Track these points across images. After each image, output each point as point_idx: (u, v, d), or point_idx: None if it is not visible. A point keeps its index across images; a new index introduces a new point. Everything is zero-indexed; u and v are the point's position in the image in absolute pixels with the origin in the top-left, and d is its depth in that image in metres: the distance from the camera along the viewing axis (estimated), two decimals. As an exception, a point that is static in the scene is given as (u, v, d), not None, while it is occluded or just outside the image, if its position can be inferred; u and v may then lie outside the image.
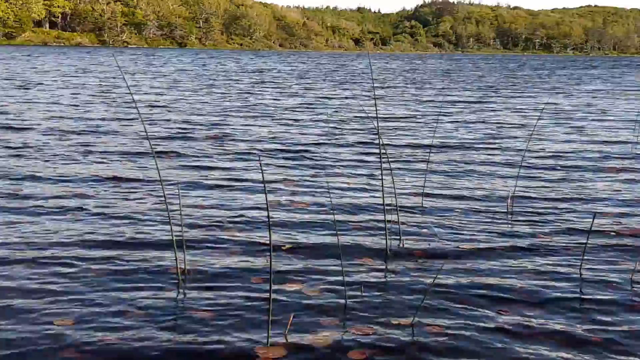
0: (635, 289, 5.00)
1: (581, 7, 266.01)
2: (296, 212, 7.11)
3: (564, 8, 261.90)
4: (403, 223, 6.55)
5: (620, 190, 8.49)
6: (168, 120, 15.28)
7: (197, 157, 10.50)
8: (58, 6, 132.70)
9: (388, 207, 6.25)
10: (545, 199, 7.91)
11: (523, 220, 6.91)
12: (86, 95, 21.28)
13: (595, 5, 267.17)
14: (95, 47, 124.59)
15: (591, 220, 5.86)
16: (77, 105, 18.10)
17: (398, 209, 6.44)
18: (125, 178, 8.66)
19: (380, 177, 7.58)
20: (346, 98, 23.23)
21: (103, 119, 15.04)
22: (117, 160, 10.02)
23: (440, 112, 18.35)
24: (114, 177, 8.67)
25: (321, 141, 12.46)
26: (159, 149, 11.10)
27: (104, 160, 10.01)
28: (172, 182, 8.24)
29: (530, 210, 7.38)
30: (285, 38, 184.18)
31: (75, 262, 5.27)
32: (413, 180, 8.91)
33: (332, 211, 6.98)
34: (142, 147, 11.16)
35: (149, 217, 6.69)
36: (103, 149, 11.10)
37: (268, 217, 3.94)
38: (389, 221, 6.20)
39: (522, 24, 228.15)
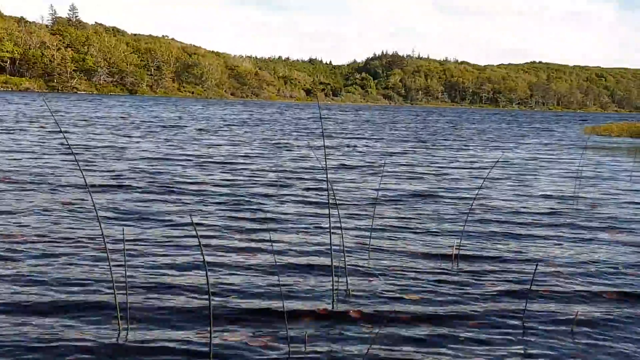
0: (576, 339, 5.07)
1: (526, 63, 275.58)
2: (241, 262, 7.03)
3: (509, 64, 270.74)
4: (350, 275, 6.54)
5: (562, 244, 8.65)
6: (110, 170, 15.06)
7: (139, 206, 10.34)
8: (7, 51, 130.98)
9: (335, 259, 6.23)
10: (490, 250, 8.00)
11: (468, 271, 6.98)
12: (24, 142, 20.86)
13: (540, 62, 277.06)
14: (44, 92, 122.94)
15: (533, 270, 5.94)
16: (14, 151, 17.74)
17: (345, 259, 6.43)
18: (62, 234, 8.42)
19: (328, 229, 7.57)
20: (294, 147, 23.32)
21: (40, 167, 14.74)
22: (54, 211, 9.79)
23: (386, 163, 18.55)
24: (50, 233, 8.43)
25: (269, 192, 12.43)
26: (99, 199, 10.90)
27: (42, 213, 9.75)
28: (115, 238, 8.07)
29: (475, 260, 7.45)
30: (237, 87, 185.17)
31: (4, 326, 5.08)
32: (360, 231, 8.93)
33: (276, 263, 6.93)
34: (80, 198, 10.94)
35: (86, 277, 6.49)
36: (40, 201, 10.83)
37: (207, 276, 3.88)
38: (337, 269, 6.17)
39: (469, 78, 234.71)
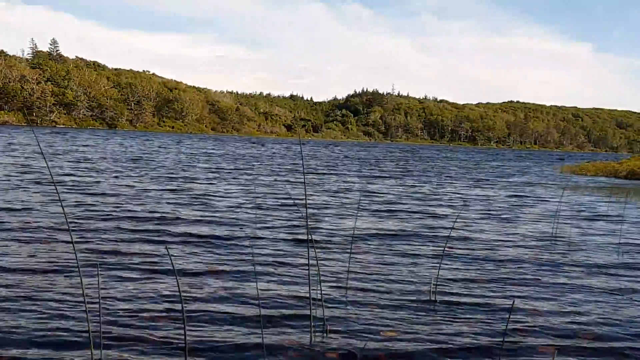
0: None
1: (504, 102, 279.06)
2: (220, 301, 7.01)
3: (487, 103, 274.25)
4: (328, 315, 6.54)
5: (540, 281, 8.72)
6: (91, 204, 14.97)
7: (117, 242, 10.28)
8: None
9: (313, 298, 6.24)
10: (467, 288, 8.05)
11: (445, 308, 7.01)
12: None
13: (517, 101, 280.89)
14: (22, 126, 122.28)
15: (509, 307, 5.99)
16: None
17: (323, 299, 6.44)
18: (40, 267, 8.34)
19: (307, 267, 7.57)
20: (275, 182, 23.36)
21: (18, 200, 14.62)
22: (32, 242, 9.71)
23: (365, 199, 18.63)
24: (28, 266, 8.34)
25: (248, 228, 12.41)
26: (77, 235, 10.82)
27: (19, 246, 9.66)
28: (90, 274, 8.01)
29: (452, 298, 7.49)
30: (218, 122, 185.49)
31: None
32: (338, 269, 8.94)
33: (256, 302, 6.91)
34: (58, 232, 10.86)
35: (64, 310, 6.43)
36: (16, 235, 10.74)
37: (183, 314, 3.89)
38: (315, 305, 6.17)
39: (448, 117, 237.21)
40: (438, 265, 8.80)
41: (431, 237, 12.11)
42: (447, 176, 34.15)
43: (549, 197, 22.38)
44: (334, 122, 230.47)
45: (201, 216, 13.51)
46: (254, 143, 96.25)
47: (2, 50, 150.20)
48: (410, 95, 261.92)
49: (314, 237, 11.26)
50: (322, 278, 6.78)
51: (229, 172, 28.27)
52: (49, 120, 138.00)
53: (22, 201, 14.36)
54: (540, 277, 8.82)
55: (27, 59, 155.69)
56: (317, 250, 8.40)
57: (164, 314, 6.34)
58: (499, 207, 18.47)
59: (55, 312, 6.31)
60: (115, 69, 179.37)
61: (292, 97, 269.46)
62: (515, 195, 22.86)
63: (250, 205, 15.99)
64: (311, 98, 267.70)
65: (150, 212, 13.71)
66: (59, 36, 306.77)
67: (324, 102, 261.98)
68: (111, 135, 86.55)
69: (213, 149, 58.40)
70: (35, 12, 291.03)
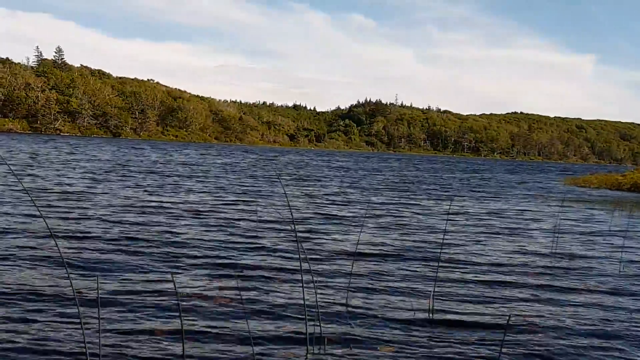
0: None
1: (507, 113, 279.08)
2: (215, 322, 7.01)
3: (491, 113, 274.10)
4: (325, 327, 6.53)
5: (539, 298, 8.70)
6: (81, 217, 14.96)
7: (107, 264, 10.27)
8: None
9: (310, 316, 6.22)
10: (465, 303, 8.03)
11: (442, 323, 6.99)
12: None
13: (521, 112, 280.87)
14: (26, 133, 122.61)
15: (506, 322, 5.97)
16: None
17: (320, 316, 6.43)
18: (33, 292, 8.04)
19: (301, 287, 7.56)
20: (274, 195, 23.35)
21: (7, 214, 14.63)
22: (23, 267, 9.70)
23: (366, 214, 18.62)
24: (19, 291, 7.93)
25: (244, 244, 12.39)
26: (71, 254, 10.80)
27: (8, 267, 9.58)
28: (88, 297, 7.98)
29: (450, 313, 7.48)
30: (221, 131, 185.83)
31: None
32: (337, 284, 8.92)
33: (249, 321, 6.91)
34: (49, 252, 10.82)
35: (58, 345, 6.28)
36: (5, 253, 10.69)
37: (181, 324, 3.89)
38: (311, 320, 6.16)
39: (452, 127, 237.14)
40: (435, 281, 8.78)
41: (430, 253, 12.07)
42: (449, 189, 34.11)
43: (551, 210, 22.33)
44: (337, 132, 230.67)
45: (197, 229, 13.50)
46: (253, 153, 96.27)
47: (7, 58, 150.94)
48: (413, 105, 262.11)
49: (313, 252, 11.25)
50: (320, 293, 6.77)
51: (228, 182, 28.27)
52: (53, 128, 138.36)
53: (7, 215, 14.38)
54: (539, 294, 8.79)
55: (32, 66, 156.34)
56: (315, 265, 8.38)
57: (161, 327, 6.34)
58: (500, 220, 18.43)
59: (52, 333, 6.30)
60: (120, 78, 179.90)
61: (295, 106, 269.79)
62: (517, 209, 22.81)
63: (246, 218, 15.97)
64: (314, 108, 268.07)
65: (148, 224, 13.70)
66: (64, 44, 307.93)
67: (327, 112, 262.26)
68: (115, 144, 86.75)
69: (209, 158, 58.45)
70: (39, 19, 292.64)
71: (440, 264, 10.31)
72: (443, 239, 11.92)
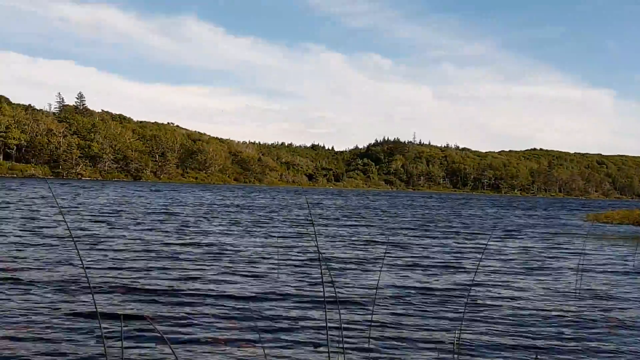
0: None
1: (527, 149, 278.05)
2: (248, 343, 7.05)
3: (510, 151, 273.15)
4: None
5: (563, 336, 8.65)
6: (102, 261, 15.11)
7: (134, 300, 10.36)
8: (14, 138, 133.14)
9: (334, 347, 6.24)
10: (490, 342, 8.01)
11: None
12: (14, 230, 20.97)
13: (540, 149, 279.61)
14: (48, 179, 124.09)
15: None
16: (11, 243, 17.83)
17: (344, 347, 6.45)
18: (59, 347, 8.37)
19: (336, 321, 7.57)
20: (294, 234, 23.39)
21: (35, 259, 14.80)
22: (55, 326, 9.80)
23: (387, 252, 18.59)
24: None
25: (266, 293, 12.42)
26: (102, 301, 10.92)
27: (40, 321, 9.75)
28: (112, 334, 8.07)
29: (475, 353, 7.46)
30: (241, 172, 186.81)
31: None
32: (360, 322, 8.93)
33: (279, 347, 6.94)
34: (79, 302, 10.95)
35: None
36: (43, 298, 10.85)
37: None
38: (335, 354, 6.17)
39: (471, 165, 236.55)
40: (461, 319, 8.77)
41: (455, 291, 12.05)
42: (471, 227, 33.94)
43: (574, 247, 22.16)
44: (356, 171, 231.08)
45: (216, 272, 13.58)
46: (273, 193, 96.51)
47: (30, 105, 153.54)
48: (431, 143, 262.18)
49: (337, 290, 11.27)
50: (345, 327, 6.78)
51: (251, 223, 28.37)
52: (75, 172, 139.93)
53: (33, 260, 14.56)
54: (563, 332, 8.75)
55: (54, 112, 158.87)
56: (340, 301, 8.43)
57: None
58: (524, 258, 18.33)
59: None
60: (140, 122, 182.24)
61: (313, 146, 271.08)
62: (540, 246, 22.66)
63: (267, 258, 16.02)
64: (332, 147, 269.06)
65: (169, 269, 13.82)
66: (85, 90, 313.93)
67: (345, 151, 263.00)
68: (136, 186, 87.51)
69: (231, 199, 58.72)
70: (61, 66, 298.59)
71: (465, 302, 10.28)
72: (472, 280, 11.90)
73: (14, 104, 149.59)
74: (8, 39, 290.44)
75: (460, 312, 9.85)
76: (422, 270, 15.08)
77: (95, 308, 3.78)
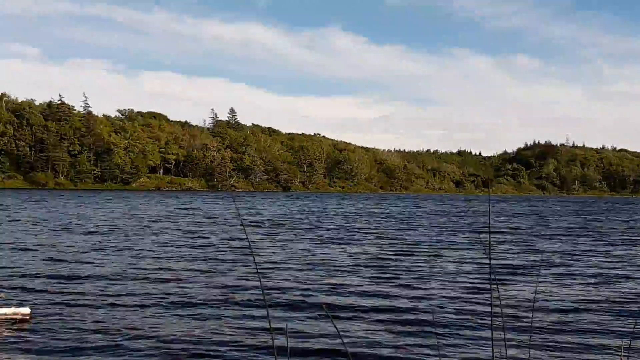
0: None
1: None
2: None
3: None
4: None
5: None
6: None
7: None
8: (172, 153, 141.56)
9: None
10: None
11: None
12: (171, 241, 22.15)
13: None
14: (205, 191, 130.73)
15: None
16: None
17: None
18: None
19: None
20: (453, 248, 23.18)
21: (189, 269, 15.65)
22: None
23: (550, 263, 18.05)
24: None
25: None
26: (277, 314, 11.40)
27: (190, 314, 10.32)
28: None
29: None
30: (386, 181, 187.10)
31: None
32: (518, 339, 8.81)
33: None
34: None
35: None
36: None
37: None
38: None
39: (629, 166, 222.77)
40: (631, 339, 8.43)
41: (621, 305, 11.54)
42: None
43: None
44: (505, 176, 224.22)
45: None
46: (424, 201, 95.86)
47: (186, 121, 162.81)
48: (586, 145, 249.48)
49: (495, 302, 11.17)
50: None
51: (403, 234, 28.41)
52: (229, 185, 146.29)
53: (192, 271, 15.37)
54: None
55: (208, 128, 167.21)
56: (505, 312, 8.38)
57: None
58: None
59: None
60: (289, 134, 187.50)
61: (459, 152, 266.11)
62: None
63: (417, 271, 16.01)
64: (480, 153, 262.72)
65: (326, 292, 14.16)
66: (236, 105, 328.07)
67: (494, 156, 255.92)
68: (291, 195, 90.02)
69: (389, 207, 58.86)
70: (214, 84, 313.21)
71: (633, 317, 9.86)
72: None
73: (172, 121, 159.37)
74: (165, 59, 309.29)
75: (627, 327, 9.46)
76: (580, 281, 14.53)
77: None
